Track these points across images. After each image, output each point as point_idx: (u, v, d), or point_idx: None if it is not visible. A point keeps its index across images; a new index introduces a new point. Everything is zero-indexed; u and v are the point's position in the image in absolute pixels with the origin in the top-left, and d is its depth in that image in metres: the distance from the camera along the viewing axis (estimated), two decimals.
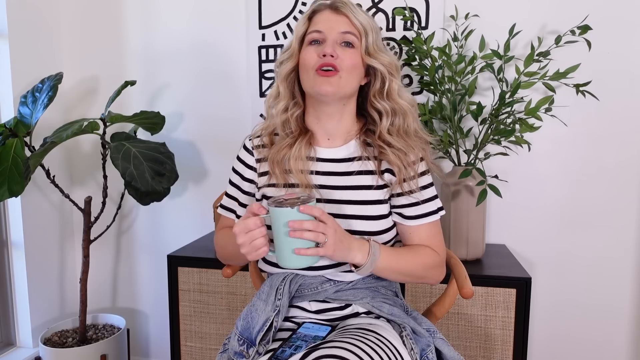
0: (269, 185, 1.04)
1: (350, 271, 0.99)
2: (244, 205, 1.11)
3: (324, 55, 0.97)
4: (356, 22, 0.99)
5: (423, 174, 1.03)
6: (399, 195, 1.01)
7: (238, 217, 1.12)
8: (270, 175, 1.04)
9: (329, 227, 0.87)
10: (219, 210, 1.15)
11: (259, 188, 1.07)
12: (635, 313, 1.64)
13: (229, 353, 1.00)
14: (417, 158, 1.02)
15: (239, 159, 1.11)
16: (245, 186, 1.10)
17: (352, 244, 0.92)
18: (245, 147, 1.10)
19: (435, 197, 1.05)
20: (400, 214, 1.03)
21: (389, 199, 1.02)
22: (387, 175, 1.01)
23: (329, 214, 0.96)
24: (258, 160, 1.08)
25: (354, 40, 0.99)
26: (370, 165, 1.02)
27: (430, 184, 1.05)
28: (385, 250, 0.96)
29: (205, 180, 1.95)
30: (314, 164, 1.04)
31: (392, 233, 1.03)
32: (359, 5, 1.06)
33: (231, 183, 1.13)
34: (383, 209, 1.00)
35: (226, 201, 1.14)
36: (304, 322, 0.99)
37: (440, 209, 1.05)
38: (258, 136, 1.09)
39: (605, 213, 1.63)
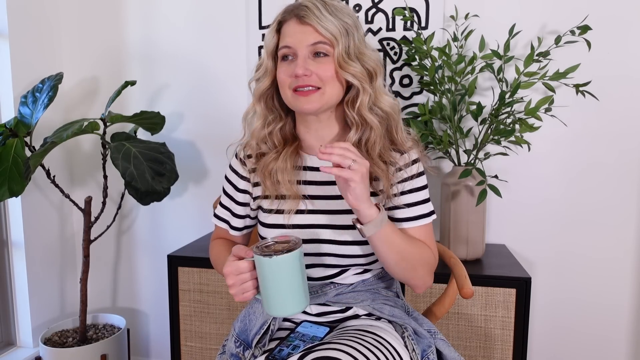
0: (264, 197, 1.03)
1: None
2: (238, 216, 1.09)
3: (297, 76, 0.91)
4: (324, 32, 0.90)
5: (404, 180, 0.98)
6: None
7: (232, 227, 1.10)
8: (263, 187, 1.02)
9: (357, 159, 0.83)
10: (213, 219, 1.13)
11: (254, 199, 1.05)
12: (635, 312, 1.64)
13: (227, 354, 1.00)
14: (392, 171, 0.97)
15: (231, 168, 1.08)
16: (240, 197, 1.07)
17: (369, 195, 0.87)
18: (237, 157, 1.07)
19: (426, 200, 1.00)
20: (391, 217, 1.00)
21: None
22: (376, 183, 0.98)
23: (328, 225, 0.96)
24: (252, 170, 1.05)
25: (327, 48, 0.92)
26: None
27: (421, 188, 1.00)
28: (391, 223, 0.93)
29: (205, 180, 1.95)
30: (304, 173, 1.00)
31: None
32: (331, 4, 0.93)
33: (225, 193, 1.10)
34: None
35: (220, 211, 1.12)
36: (302, 321, 0.99)
37: (431, 212, 1.01)
38: (249, 154, 1.06)
39: (604, 212, 1.63)
